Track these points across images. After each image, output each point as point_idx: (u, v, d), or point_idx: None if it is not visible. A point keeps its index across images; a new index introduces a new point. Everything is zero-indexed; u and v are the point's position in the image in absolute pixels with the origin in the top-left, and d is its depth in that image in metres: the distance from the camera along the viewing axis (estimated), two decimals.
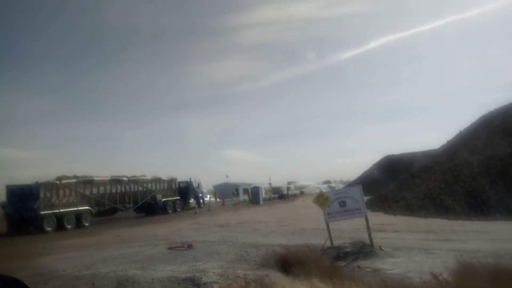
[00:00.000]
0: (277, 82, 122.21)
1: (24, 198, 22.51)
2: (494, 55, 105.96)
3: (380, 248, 10.79)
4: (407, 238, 13.39)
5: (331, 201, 11.12)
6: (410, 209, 21.03)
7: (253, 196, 41.59)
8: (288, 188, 57.73)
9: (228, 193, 51.91)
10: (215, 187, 54.58)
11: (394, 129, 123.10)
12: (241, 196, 52.89)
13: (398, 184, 27.68)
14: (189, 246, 12.53)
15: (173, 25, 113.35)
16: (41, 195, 22.42)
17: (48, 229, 22.30)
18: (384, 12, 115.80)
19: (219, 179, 60.41)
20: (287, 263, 8.06)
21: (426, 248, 11.13)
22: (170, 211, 32.03)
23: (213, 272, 7.20)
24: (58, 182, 23.79)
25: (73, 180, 24.87)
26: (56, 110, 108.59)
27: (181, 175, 36.76)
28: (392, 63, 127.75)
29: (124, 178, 29.06)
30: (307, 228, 17.91)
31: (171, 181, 34.01)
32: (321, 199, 11.20)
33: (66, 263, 10.54)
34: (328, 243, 11.15)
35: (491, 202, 17.57)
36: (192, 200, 36.22)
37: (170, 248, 12.66)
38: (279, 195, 49.94)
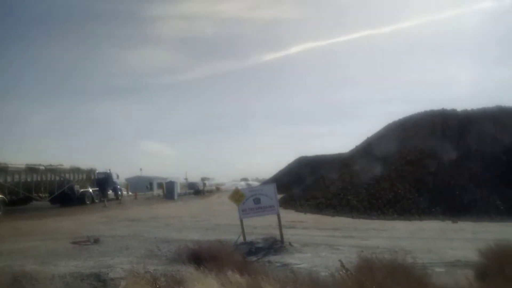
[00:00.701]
0: (197, 77, 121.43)
1: None
2: (400, 69, 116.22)
3: (290, 244, 11.21)
4: (315, 235, 14.09)
5: (246, 198, 11.31)
6: (319, 208, 22.20)
7: (168, 190, 40.77)
8: (204, 184, 57.53)
9: (141, 186, 50.12)
10: (128, 180, 52.27)
11: (308, 131, 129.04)
12: (155, 191, 51.49)
13: (310, 184, 29.12)
14: (96, 241, 11.87)
15: (94, 8, 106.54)
16: None
17: None
18: (307, 20, 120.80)
19: (133, 172, 58.26)
20: (200, 258, 8.00)
21: (332, 244, 11.85)
22: (88, 202, 30.92)
23: (121, 268, 6.90)
24: None
25: None
26: None
27: (93, 164, 34.97)
28: (309, 69, 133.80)
29: (41, 167, 27.71)
30: (222, 224, 18.03)
31: (90, 171, 33.27)
32: (237, 196, 11.33)
33: None
34: (241, 239, 11.33)
35: (390, 203, 19.25)
36: (110, 192, 35.52)
37: (74, 243, 11.87)
38: (195, 190, 49.54)
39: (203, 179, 60.54)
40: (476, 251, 10.57)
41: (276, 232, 14.19)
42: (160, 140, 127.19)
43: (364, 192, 21.25)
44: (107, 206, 29.15)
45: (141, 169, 53.62)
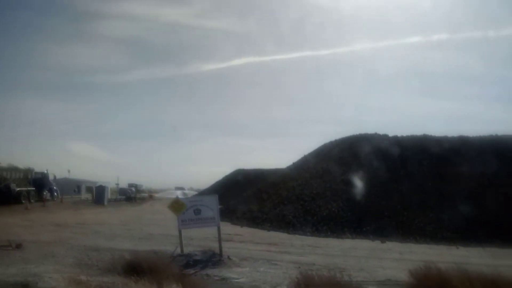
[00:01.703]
0: (135, 80, 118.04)
1: None
2: (338, 92, 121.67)
3: (228, 257, 11.07)
4: (252, 249, 14.04)
5: (186, 208, 11.02)
6: (255, 222, 22.25)
7: (97, 195, 38.74)
8: (137, 191, 55.48)
9: (69, 190, 47.01)
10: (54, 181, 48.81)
11: (244, 144, 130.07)
12: (84, 195, 48.64)
13: (247, 197, 29.16)
14: (18, 246, 10.88)
15: None
16: None
17: None
18: (250, 35, 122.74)
19: (59, 173, 54.49)
20: (136, 269, 7.62)
21: (269, 259, 11.85)
22: (24, 201, 30.13)
23: (50, 277, 6.32)
24: None
25: None
26: None
27: (16, 163, 32.87)
28: (249, 83, 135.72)
29: None
30: (155, 234, 17.42)
31: (28, 171, 33.53)
32: (176, 205, 11.02)
33: None
34: (179, 250, 10.99)
35: (324, 220, 19.82)
36: (45, 193, 34.84)
37: None
38: (127, 197, 47.61)
39: (130, 186, 58.22)
40: (404, 271, 11.21)
41: (213, 245, 13.99)
42: (91, 142, 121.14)
43: (301, 208, 21.68)
44: (29, 209, 26.99)
45: (69, 171, 50.29)
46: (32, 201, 31.25)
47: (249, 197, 28.45)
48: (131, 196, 48.24)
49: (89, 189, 49.10)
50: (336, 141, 29.34)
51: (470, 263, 11.43)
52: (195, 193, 59.09)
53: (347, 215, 20.08)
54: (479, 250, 16.14)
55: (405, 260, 13.41)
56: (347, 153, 25.55)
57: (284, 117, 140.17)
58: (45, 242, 12.63)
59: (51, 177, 36.58)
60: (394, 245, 16.75)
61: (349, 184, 22.25)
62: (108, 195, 43.25)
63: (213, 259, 10.71)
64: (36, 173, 34.58)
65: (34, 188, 32.77)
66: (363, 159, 24.18)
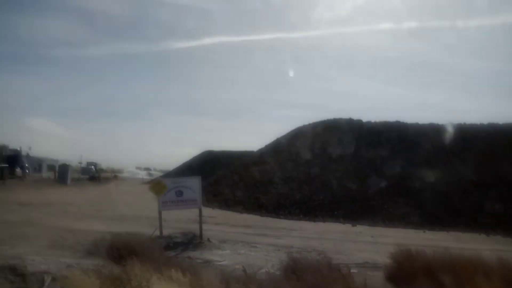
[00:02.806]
0: (100, 55, 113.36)
1: None
2: (305, 76, 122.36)
3: (208, 240, 11.00)
4: (229, 231, 14.04)
5: (168, 189, 10.79)
6: (227, 204, 22.23)
7: (60, 174, 37.35)
8: (97, 170, 53.75)
9: (30, 168, 44.92)
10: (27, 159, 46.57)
11: (211, 125, 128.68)
12: (45, 173, 46.70)
13: (217, 179, 28.98)
14: None
15: None
16: None
17: None
18: (222, 13, 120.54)
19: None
20: (119, 252, 7.39)
21: (248, 242, 11.87)
22: None
23: (33, 260, 5.99)
24: None
25: None
26: None
27: None
28: (219, 63, 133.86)
29: None
30: (127, 215, 17.04)
31: (2, 148, 35.12)
32: (158, 187, 10.77)
33: None
34: (157, 232, 10.78)
35: (297, 204, 20.08)
36: (18, 169, 35.11)
37: None
38: (90, 176, 46.14)
39: (89, 164, 56.39)
40: (378, 254, 11.55)
41: (188, 227, 13.90)
42: (51, 119, 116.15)
43: (273, 191, 21.84)
44: None
45: (30, 148, 47.99)
46: (5, 177, 30.60)
47: (220, 179, 28.31)
48: (94, 175, 46.79)
49: (50, 168, 47.25)
50: (310, 124, 29.48)
51: (438, 246, 11.94)
52: (161, 174, 58.26)
53: (319, 199, 20.43)
54: (444, 234, 16.89)
55: (378, 243, 13.83)
56: (320, 138, 25.82)
57: (253, 100, 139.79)
58: (13, 222, 12.06)
59: (24, 154, 37.42)
60: (365, 229, 17.22)
61: (321, 168, 22.57)
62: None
63: (194, 241, 10.62)
64: (10, 150, 35.72)
65: (7, 165, 32.59)
66: (337, 144, 24.55)
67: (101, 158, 60.87)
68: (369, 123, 27.19)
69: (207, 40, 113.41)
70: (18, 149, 37.14)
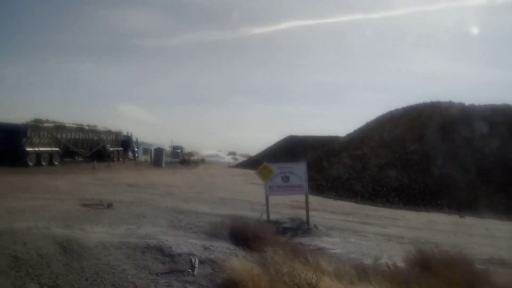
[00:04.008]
0: (183, 44, 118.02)
1: (13, 135, 25.07)
2: (387, 58, 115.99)
3: (315, 226, 10.80)
4: (330, 218, 13.74)
5: (274, 174, 10.75)
6: (319, 190, 21.84)
7: (156, 157, 39.68)
8: (189, 153, 56.35)
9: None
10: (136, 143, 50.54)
11: (292, 111, 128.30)
12: (141, 156, 50.08)
13: (306, 164, 28.65)
14: (109, 205, 11.13)
15: None
16: (28, 134, 25.63)
17: (30, 163, 25.69)
18: None
19: None
20: (241, 235, 7.46)
21: (354, 230, 11.49)
22: (115, 159, 36.85)
23: (167, 240, 6.22)
24: (40, 124, 27.24)
25: (51, 125, 28.57)
26: None
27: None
28: (298, 48, 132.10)
29: (85, 127, 33.06)
30: (226, 198, 17.49)
31: (118, 133, 39.01)
32: (265, 172, 10.76)
33: None
34: (265, 217, 10.83)
35: (395, 192, 19.09)
36: (130, 153, 41.62)
37: (85, 205, 11.11)
38: (181, 159, 48.54)
39: (175, 148, 58.98)
40: (503, 249, 10.48)
41: (286, 212, 13.88)
42: (140, 105, 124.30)
43: (368, 178, 21.02)
44: (96, 168, 28.16)
45: (128, 133, 51.89)
46: (121, 159, 37.78)
47: (309, 165, 27.94)
48: (185, 159, 49.14)
49: (145, 151, 50.48)
50: (403, 109, 27.92)
51: None
52: (245, 159, 59.47)
53: (419, 187, 19.21)
54: None
55: (496, 237, 12.62)
56: (417, 122, 24.27)
57: (336, 84, 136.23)
58: (128, 202, 12.86)
59: (134, 139, 42.53)
60: (475, 221, 15.84)
61: (421, 155, 21.19)
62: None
63: (302, 227, 10.47)
64: (123, 136, 39.93)
65: (122, 149, 39.09)
66: (435, 129, 22.85)
67: (186, 142, 63.37)
68: (472, 106, 24.91)
69: (284, 25, 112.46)
70: (129, 134, 41.34)
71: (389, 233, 11.61)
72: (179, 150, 56.12)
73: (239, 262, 4.55)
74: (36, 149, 26.49)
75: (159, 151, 40.29)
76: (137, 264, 4.97)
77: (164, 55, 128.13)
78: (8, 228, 6.45)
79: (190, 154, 54.16)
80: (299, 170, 10.98)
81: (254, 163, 50.81)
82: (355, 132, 30.86)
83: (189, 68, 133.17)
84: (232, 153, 66.20)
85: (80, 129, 32.29)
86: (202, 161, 56.82)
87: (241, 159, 60.53)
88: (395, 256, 8.23)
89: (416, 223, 14.24)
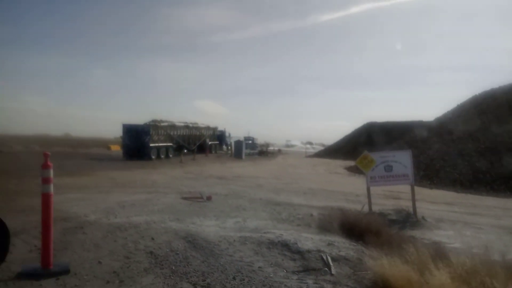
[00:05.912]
0: (251, 37, 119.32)
1: (139, 134, 30.14)
2: (463, 35, 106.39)
3: (423, 218, 10.11)
4: (433, 209, 12.82)
5: (376, 164, 10.21)
6: None
7: (236, 149, 40.50)
8: (265, 144, 56.83)
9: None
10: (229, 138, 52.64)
11: (365, 97, 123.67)
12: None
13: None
14: (209, 198, 11.38)
15: None
16: (151, 132, 30.40)
17: (153, 157, 30.35)
18: None
19: None
20: (355, 229, 7.11)
21: (466, 222, 10.60)
22: (213, 152, 42.38)
23: (281, 235, 6.07)
24: (158, 124, 32.44)
25: (166, 124, 33.81)
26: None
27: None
28: (369, 32, 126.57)
29: (190, 124, 38.52)
30: (315, 189, 17.15)
31: (215, 129, 44.47)
32: (365, 161, 10.26)
33: (78, 206, 9.19)
34: (366, 208, 10.36)
35: (502, 179, 17.38)
36: (224, 146, 46.93)
37: (186, 198, 11.48)
38: (259, 151, 49.15)
39: (246, 139, 59.53)
40: None
41: (383, 202, 13.22)
42: (214, 99, 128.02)
43: (466, 164, 19.40)
44: (183, 162, 29.35)
45: (223, 129, 53.83)
46: (217, 152, 43.28)
47: None
48: (263, 150, 49.69)
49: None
50: (500, 88, 25.37)
51: None
52: (322, 148, 58.54)
53: None
54: None
55: None
56: None
57: (407, 66, 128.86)
58: (223, 195, 13.07)
59: (226, 134, 47.37)
60: None
61: None
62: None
63: (409, 219, 9.85)
64: (219, 131, 45.07)
65: (218, 142, 44.66)
66: None
67: (257, 133, 63.87)
68: None
69: (354, 9, 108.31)
70: (223, 129, 46.56)
71: (507, 225, 10.51)
72: (250, 141, 56.90)
73: (388, 263, 4.22)
74: (156, 144, 31.34)
75: (239, 143, 41.03)
76: (268, 261, 4.85)
77: (234, 49, 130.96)
78: (128, 222, 6.75)
79: (267, 145, 54.59)
80: (403, 158, 10.31)
81: (332, 152, 49.98)
82: (445, 116, 28.73)
83: (259, 59, 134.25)
84: (310, 143, 65.60)
85: (186, 126, 37.66)
86: (279, 151, 57.12)
87: (318, 148, 59.76)
88: None
89: None
